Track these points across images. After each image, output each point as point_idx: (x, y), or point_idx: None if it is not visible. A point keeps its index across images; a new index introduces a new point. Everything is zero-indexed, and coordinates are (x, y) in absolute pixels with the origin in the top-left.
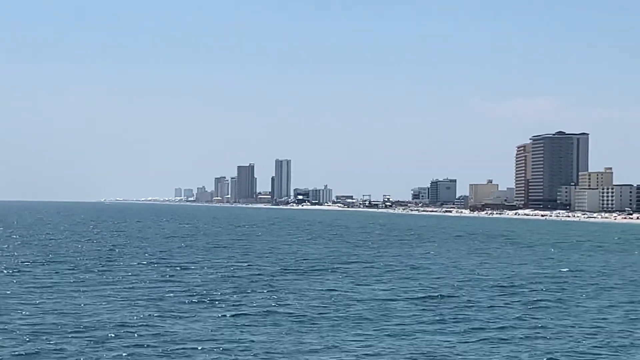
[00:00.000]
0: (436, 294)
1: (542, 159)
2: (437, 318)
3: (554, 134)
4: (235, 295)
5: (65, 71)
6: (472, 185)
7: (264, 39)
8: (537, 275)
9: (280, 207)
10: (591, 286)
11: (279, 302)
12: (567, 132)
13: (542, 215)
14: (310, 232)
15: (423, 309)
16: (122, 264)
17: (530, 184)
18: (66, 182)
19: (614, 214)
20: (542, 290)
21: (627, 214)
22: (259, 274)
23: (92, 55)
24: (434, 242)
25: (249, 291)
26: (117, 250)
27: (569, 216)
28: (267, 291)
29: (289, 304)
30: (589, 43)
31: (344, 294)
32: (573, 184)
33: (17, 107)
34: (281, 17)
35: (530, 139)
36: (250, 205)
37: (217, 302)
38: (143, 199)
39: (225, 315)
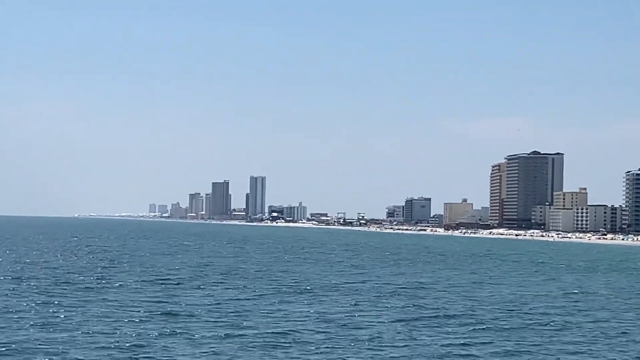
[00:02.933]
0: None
1: (516, 178)
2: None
3: (528, 154)
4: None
5: (41, 85)
6: (446, 204)
7: (241, 57)
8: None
9: (255, 224)
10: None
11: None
12: (542, 152)
13: (516, 235)
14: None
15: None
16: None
17: (504, 203)
18: (39, 197)
19: (588, 234)
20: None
21: (602, 235)
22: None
23: (68, 68)
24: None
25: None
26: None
27: (543, 236)
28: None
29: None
30: (564, 64)
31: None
32: (548, 203)
33: None
34: (257, 36)
35: (505, 158)
36: (224, 222)
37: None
38: (117, 214)
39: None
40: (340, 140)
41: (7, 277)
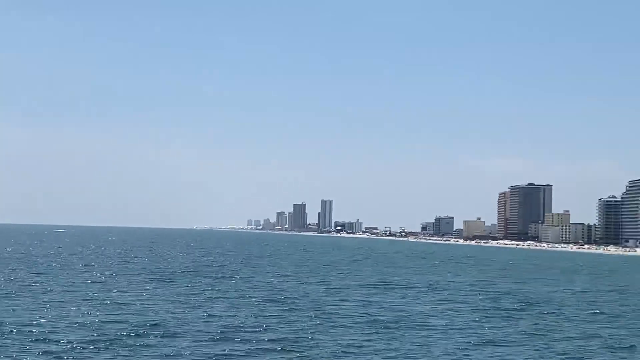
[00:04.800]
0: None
1: (517, 203)
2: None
3: (526, 185)
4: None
5: (160, 129)
6: (465, 221)
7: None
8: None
9: (324, 234)
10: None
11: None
12: (536, 183)
13: (516, 245)
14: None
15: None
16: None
17: (508, 221)
18: (166, 211)
19: (570, 245)
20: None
21: (580, 245)
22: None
23: (176, 113)
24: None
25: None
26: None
27: (537, 246)
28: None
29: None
30: (555, 114)
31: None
32: (540, 221)
33: (138, 156)
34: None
35: (508, 188)
36: (301, 233)
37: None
38: (224, 227)
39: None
40: (387, 171)
41: (190, 272)
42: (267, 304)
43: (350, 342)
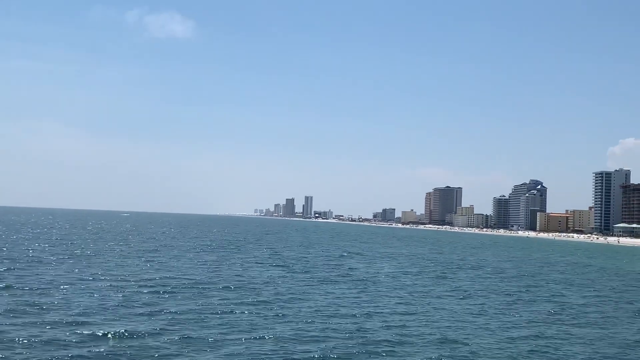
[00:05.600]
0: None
1: (438, 199)
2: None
3: (444, 187)
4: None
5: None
6: (403, 211)
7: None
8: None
9: (307, 220)
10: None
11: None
12: (451, 186)
13: (437, 228)
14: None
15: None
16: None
17: (432, 211)
18: (197, 202)
19: (474, 228)
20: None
21: (480, 229)
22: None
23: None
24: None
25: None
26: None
27: (451, 229)
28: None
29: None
30: (466, 135)
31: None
32: (454, 212)
33: (178, 164)
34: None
35: (432, 189)
36: (291, 219)
37: None
38: (237, 213)
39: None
40: (351, 176)
41: (211, 247)
42: (274, 266)
43: (332, 292)
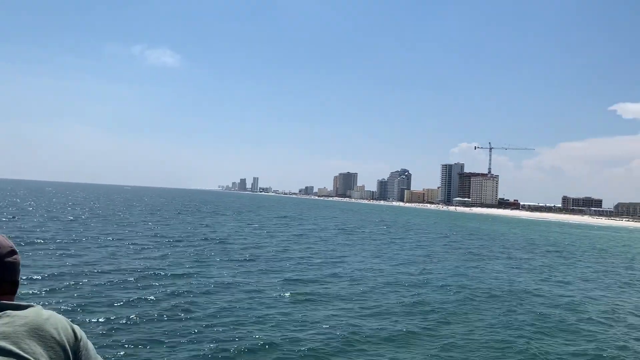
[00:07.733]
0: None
1: (342, 180)
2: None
3: (345, 172)
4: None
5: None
6: (319, 188)
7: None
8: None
9: (255, 194)
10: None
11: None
12: (350, 172)
13: (341, 199)
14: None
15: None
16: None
17: (338, 188)
18: (177, 178)
19: (364, 200)
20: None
21: (370, 200)
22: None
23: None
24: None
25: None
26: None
27: (350, 200)
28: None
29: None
30: (364, 134)
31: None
32: (352, 189)
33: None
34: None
35: (338, 173)
36: (245, 192)
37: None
38: (207, 187)
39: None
40: (285, 161)
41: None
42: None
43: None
